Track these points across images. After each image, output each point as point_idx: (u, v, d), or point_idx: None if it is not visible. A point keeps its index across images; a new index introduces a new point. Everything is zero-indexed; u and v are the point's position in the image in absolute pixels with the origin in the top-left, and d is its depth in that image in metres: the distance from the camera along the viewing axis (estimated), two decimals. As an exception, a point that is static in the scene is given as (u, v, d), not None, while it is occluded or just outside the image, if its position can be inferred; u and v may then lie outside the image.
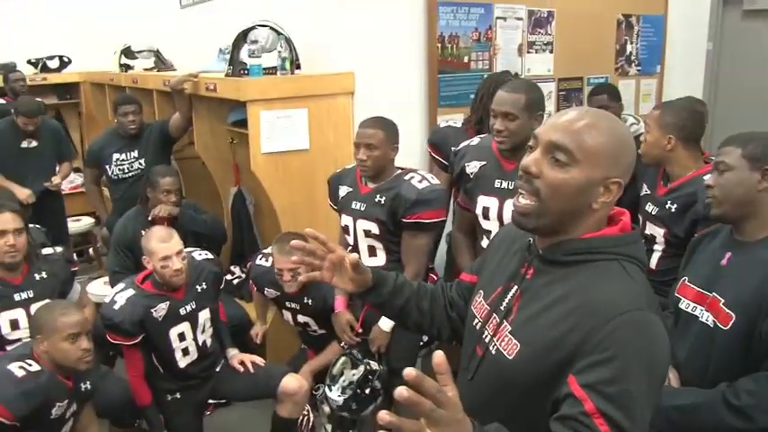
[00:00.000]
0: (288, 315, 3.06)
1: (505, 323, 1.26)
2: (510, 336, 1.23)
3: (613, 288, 1.15)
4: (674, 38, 4.56)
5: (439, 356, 0.96)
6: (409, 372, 0.92)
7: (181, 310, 2.68)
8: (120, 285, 2.70)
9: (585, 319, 1.12)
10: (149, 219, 3.28)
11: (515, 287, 1.28)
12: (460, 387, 1.22)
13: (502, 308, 1.28)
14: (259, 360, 2.93)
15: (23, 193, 4.47)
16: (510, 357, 1.22)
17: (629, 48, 4.38)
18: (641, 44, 4.44)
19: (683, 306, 1.88)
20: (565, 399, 1.10)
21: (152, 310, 2.62)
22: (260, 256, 3.12)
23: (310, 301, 2.91)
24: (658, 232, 2.42)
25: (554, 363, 1.13)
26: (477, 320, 1.36)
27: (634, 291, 1.15)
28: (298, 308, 2.98)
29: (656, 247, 2.44)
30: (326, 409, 2.73)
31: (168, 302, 2.65)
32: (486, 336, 1.30)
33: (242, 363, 2.90)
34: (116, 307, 2.59)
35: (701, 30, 4.55)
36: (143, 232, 3.14)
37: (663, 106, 2.42)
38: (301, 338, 3.24)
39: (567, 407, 1.09)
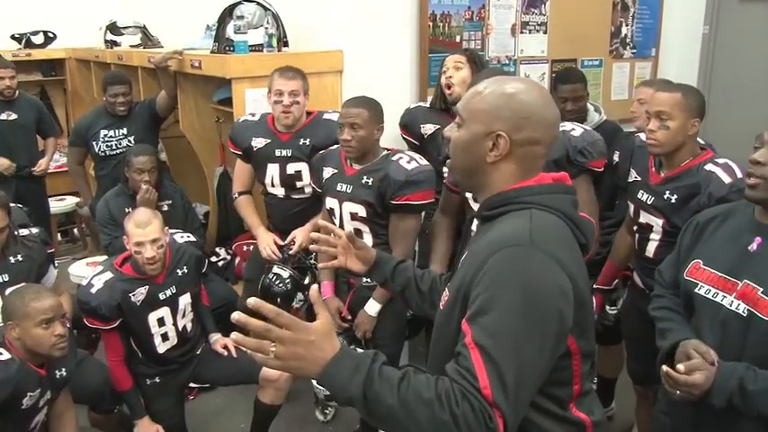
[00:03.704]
0: (274, 171, 2.93)
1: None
2: (447, 289, 1.35)
3: (504, 229, 1.23)
4: (670, 21, 4.48)
5: (313, 289, 1.20)
6: (250, 301, 1.09)
7: (160, 294, 2.61)
8: (98, 268, 2.62)
9: (476, 260, 1.21)
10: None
11: (467, 250, 1.36)
12: None
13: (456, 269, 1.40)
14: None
15: (4, 163, 4.41)
16: (441, 307, 1.35)
17: (624, 30, 4.30)
18: (637, 26, 4.36)
19: (701, 292, 1.78)
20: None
21: (130, 295, 2.55)
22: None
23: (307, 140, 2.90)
24: (656, 222, 2.32)
25: (459, 306, 1.23)
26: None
27: (522, 229, 1.20)
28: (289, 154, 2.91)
29: (652, 236, 2.35)
30: None
31: (147, 287, 2.58)
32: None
33: (225, 347, 2.84)
34: (93, 290, 2.52)
35: (697, 13, 4.48)
36: (127, 210, 3.09)
37: (679, 89, 2.24)
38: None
39: (459, 341, 1.16)
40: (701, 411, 1.72)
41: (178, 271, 2.69)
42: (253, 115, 3.03)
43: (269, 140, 2.90)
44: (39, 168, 4.61)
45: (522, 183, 1.28)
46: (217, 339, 2.88)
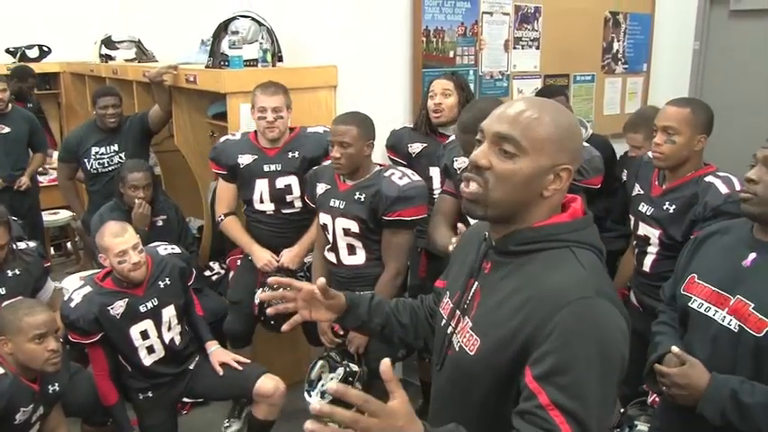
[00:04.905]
0: (263, 187, 2.97)
1: (467, 319, 1.27)
2: (471, 332, 1.24)
3: (562, 277, 1.15)
4: (661, 36, 4.54)
5: (385, 364, 1.01)
6: (330, 386, 0.97)
7: (141, 307, 2.60)
8: (80, 282, 2.62)
9: (536, 311, 1.12)
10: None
11: (475, 283, 1.29)
12: (434, 382, 1.38)
13: (465, 305, 1.29)
14: (241, 360, 2.83)
15: None
16: (471, 353, 1.22)
17: (615, 45, 4.35)
18: (628, 42, 4.41)
19: (694, 306, 1.78)
20: (523, 391, 1.11)
21: (108, 308, 2.55)
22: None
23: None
24: (653, 233, 2.34)
25: (511, 356, 1.14)
26: (443, 320, 1.37)
27: (582, 278, 1.15)
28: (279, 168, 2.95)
29: (649, 249, 2.37)
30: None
31: (126, 299, 2.57)
32: (451, 331, 1.31)
33: (223, 364, 2.79)
34: (72, 305, 2.53)
35: (687, 29, 4.52)
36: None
37: (689, 105, 2.26)
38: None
39: (525, 400, 1.10)
40: (696, 430, 1.71)
41: (160, 283, 2.67)
42: (234, 134, 3.06)
43: (255, 156, 2.94)
44: (19, 184, 4.59)
45: (557, 218, 1.22)
46: (214, 351, 2.84)
